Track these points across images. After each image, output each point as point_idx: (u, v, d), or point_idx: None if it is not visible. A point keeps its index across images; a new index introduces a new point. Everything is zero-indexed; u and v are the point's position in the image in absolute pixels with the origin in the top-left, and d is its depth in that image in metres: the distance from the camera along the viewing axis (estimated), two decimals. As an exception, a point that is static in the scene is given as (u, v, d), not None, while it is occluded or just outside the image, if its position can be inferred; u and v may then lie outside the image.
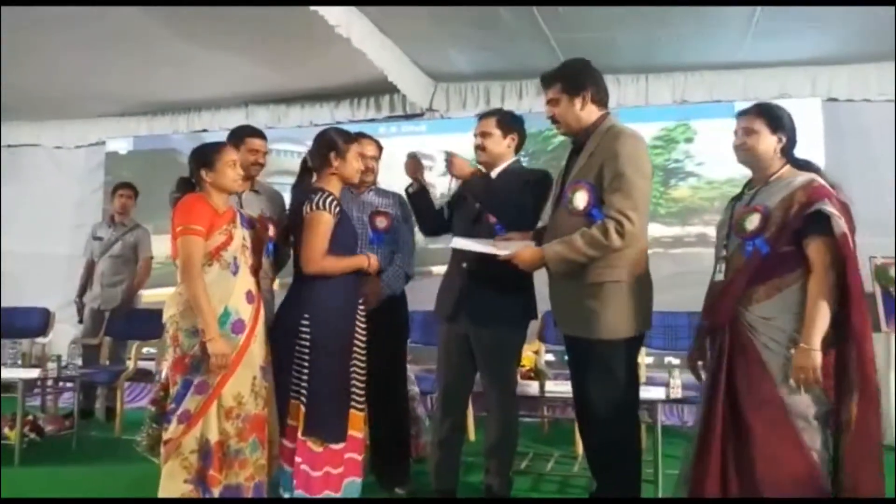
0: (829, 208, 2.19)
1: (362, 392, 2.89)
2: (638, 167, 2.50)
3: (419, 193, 3.19)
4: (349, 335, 2.85)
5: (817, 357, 2.17)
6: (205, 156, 2.83)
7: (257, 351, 2.78)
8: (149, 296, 5.62)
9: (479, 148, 3.04)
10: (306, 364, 2.75)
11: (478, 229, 2.95)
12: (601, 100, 2.66)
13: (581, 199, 2.54)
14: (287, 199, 3.63)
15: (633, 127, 2.64)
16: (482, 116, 3.11)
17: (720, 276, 2.41)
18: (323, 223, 2.76)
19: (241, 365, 2.70)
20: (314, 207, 2.77)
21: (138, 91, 6.32)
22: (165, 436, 2.69)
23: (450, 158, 2.94)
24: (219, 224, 2.74)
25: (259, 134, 3.41)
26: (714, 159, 5.30)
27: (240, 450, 2.69)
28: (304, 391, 2.73)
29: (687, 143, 5.46)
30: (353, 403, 2.85)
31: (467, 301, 2.96)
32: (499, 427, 2.98)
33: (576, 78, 2.63)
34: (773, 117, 2.40)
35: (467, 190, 3.00)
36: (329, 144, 2.90)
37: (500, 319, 2.91)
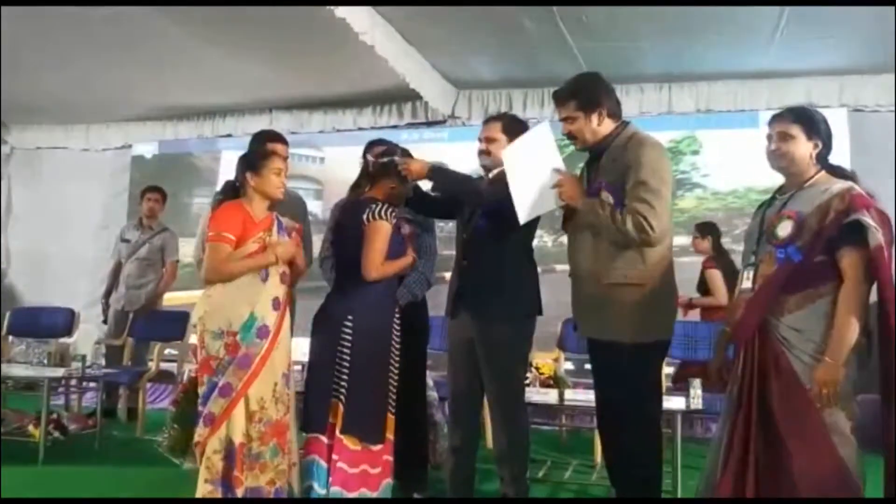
0: (868, 219, 2.12)
1: (395, 395, 2.93)
2: (660, 176, 2.48)
3: (414, 196, 3.14)
4: (389, 337, 2.92)
5: (841, 372, 2.11)
6: (252, 160, 2.89)
7: (279, 358, 2.80)
8: (170, 298, 5.68)
9: (484, 153, 3.02)
10: (346, 364, 2.80)
11: (470, 228, 2.99)
12: (616, 112, 2.65)
13: (607, 199, 2.51)
14: (309, 204, 3.69)
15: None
16: (487, 121, 3.10)
17: (748, 284, 2.34)
18: (383, 232, 2.84)
19: (263, 370, 2.72)
20: (375, 217, 2.84)
21: (164, 96, 6.41)
22: (195, 438, 2.74)
23: (404, 167, 2.92)
24: (253, 232, 2.79)
25: (280, 139, 3.45)
26: (719, 171, 5.46)
27: (260, 453, 2.72)
28: (343, 390, 2.79)
29: (693, 155, 5.57)
30: (390, 407, 2.90)
31: (466, 297, 2.96)
32: (506, 433, 2.94)
33: (591, 94, 2.61)
34: (809, 122, 2.32)
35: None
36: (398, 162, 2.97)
37: (500, 314, 2.89)
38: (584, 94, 2.62)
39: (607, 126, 2.62)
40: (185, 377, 4.14)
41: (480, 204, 2.91)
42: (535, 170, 2.64)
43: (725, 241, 4.96)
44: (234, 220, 2.78)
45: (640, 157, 2.48)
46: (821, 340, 2.17)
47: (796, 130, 2.30)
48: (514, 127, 3.02)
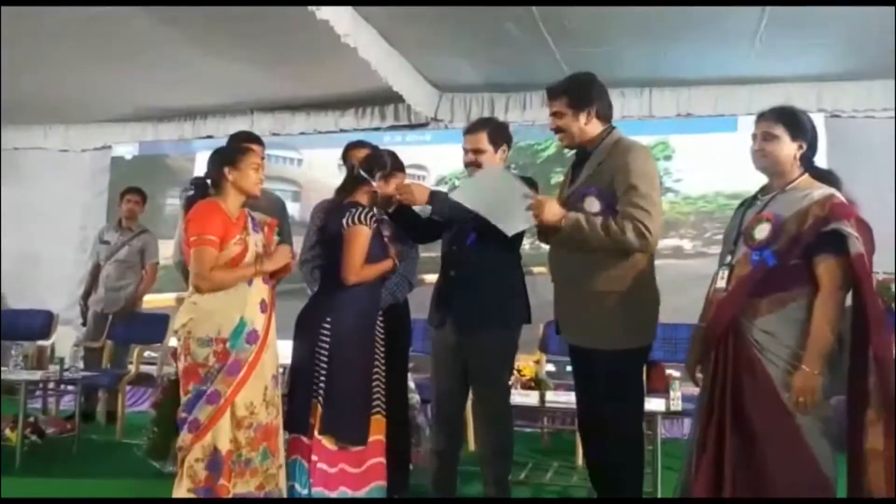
0: (848, 229, 2.11)
1: (384, 397, 2.93)
2: (650, 180, 2.49)
3: (398, 210, 3.09)
4: (370, 340, 2.93)
5: (819, 381, 2.11)
6: (230, 154, 2.84)
7: (268, 361, 2.77)
8: (149, 300, 5.62)
9: (473, 164, 3.00)
10: (324, 366, 2.81)
11: (458, 239, 2.99)
12: (606, 114, 2.65)
13: (593, 204, 2.50)
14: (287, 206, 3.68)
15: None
16: (470, 130, 3.05)
17: (722, 283, 2.32)
18: (362, 236, 2.85)
19: (252, 376, 2.68)
20: (353, 222, 2.84)
21: (144, 96, 6.36)
22: (177, 444, 2.69)
23: (407, 196, 2.93)
24: (233, 233, 2.72)
25: (257, 139, 3.43)
26: (691, 176, 5.58)
27: (250, 459, 2.68)
28: (321, 392, 2.80)
29: (666, 161, 5.64)
30: (376, 408, 2.90)
31: (454, 308, 2.97)
32: (492, 436, 2.97)
33: (583, 93, 2.61)
34: (794, 123, 2.30)
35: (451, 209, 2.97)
36: (382, 165, 2.98)
37: (488, 324, 2.91)
38: (576, 91, 2.62)
39: (595, 127, 2.62)
40: (165, 379, 4.10)
41: (476, 220, 2.89)
42: (501, 198, 2.66)
43: (696, 245, 5.03)
44: (215, 220, 2.70)
45: (629, 162, 2.48)
46: (796, 346, 2.16)
47: (780, 131, 2.29)
48: (500, 135, 3.03)
